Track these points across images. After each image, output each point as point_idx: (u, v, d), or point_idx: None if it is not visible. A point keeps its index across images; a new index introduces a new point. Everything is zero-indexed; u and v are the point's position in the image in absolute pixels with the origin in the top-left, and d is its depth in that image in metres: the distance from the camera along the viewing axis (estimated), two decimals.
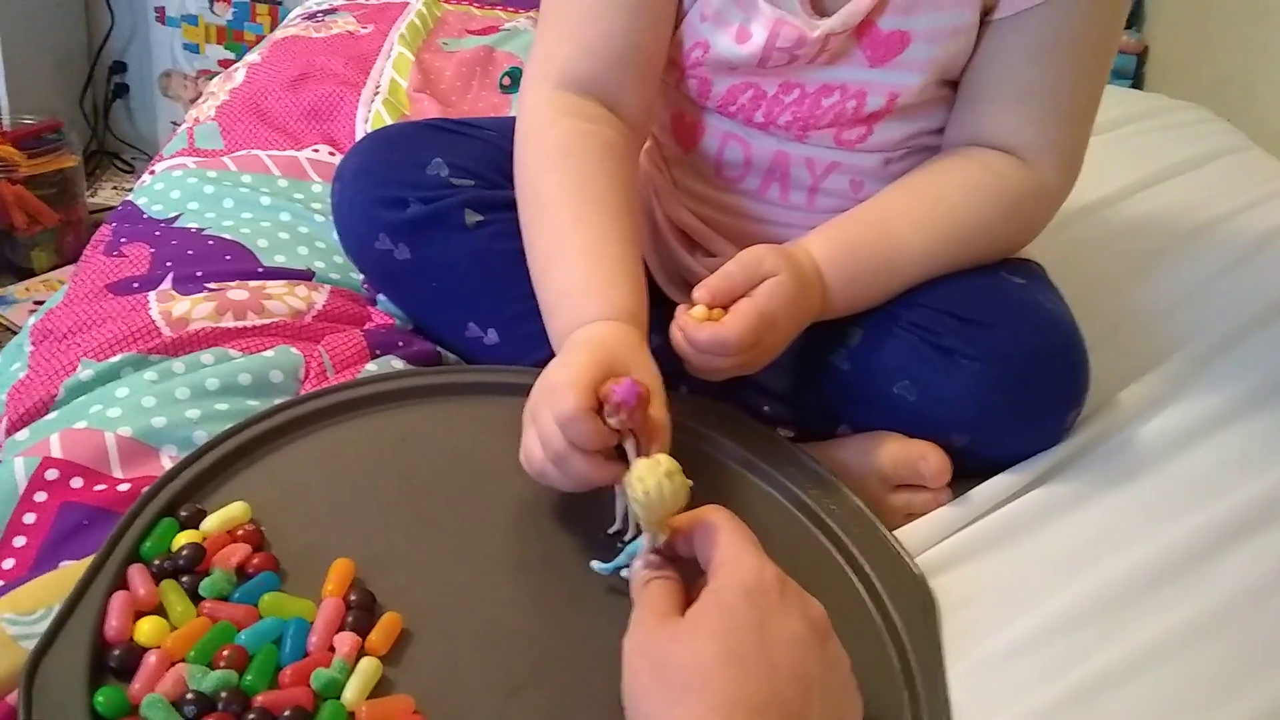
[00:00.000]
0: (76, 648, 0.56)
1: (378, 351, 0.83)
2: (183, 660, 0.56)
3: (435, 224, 0.82)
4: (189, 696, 0.54)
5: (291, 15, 1.46)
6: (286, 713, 0.54)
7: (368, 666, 0.57)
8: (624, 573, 0.61)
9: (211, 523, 0.63)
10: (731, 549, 0.57)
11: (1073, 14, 0.77)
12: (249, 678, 0.55)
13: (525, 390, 0.67)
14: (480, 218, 0.83)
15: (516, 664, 0.58)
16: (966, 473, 0.77)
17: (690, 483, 0.58)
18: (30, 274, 2.17)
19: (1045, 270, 0.87)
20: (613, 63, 0.80)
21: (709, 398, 0.79)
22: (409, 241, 0.83)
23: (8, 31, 2.19)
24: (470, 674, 0.58)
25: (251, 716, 0.53)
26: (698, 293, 0.73)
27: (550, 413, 0.63)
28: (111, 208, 2.37)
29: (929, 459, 0.76)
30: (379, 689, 0.56)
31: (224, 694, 0.54)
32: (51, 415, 0.73)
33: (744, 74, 0.81)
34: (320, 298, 0.89)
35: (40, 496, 0.66)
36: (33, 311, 1.97)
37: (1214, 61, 1.64)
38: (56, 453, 0.68)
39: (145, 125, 2.54)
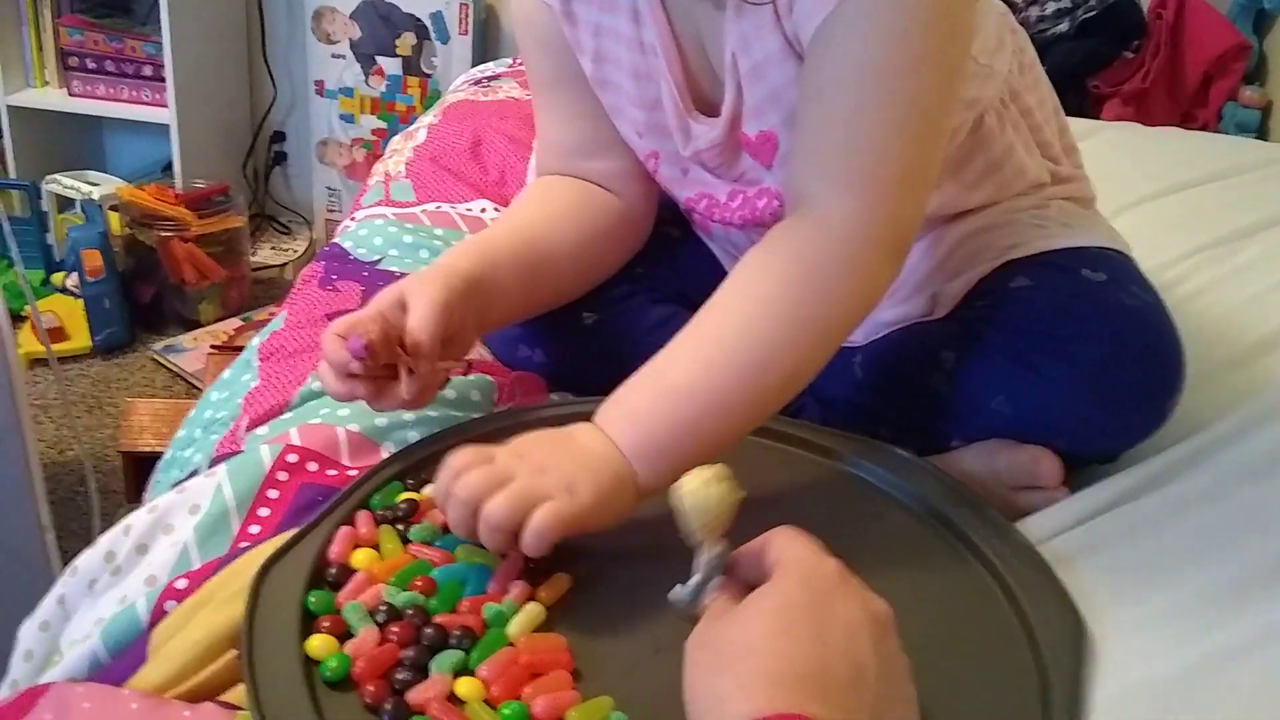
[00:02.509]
0: (301, 562, 0.67)
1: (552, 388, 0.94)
2: (384, 583, 0.67)
3: (560, 329, 0.94)
4: (382, 607, 0.65)
5: (458, 81, 1.60)
6: (457, 631, 0.64)
7: (532, 609, 0.66)
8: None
9: (429, 489, 0.74)
10: (791, 548, 0.58)
11: (849, 42, 0.72)
12: (433, 602, 0.66)
13: None
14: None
15: (664, 628, 0.63)
16: (1080, 467, 0.83)
17: (743, 493, 0.59)
18: (197, 324, 2.34)
19: (1130, 257, 0.90)
20: (571, 148, 0.93)
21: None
22: (542, 347, 0.95)
23: (181, 103, 2.38)
24: (621, 629, 0.66)
25: (428, 630, 0.64)
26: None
27: None
28: (274, 265, 2.56)
29: (1042, 462, 0.82)
30: (540, 630, 0.66)
31: (410, 610, 0.65)
32: (287, 415, 0.84)
33: (696, 183, 0.90)
34: None
35: (282, 476, 0.76)
36: (207, 357, 2.13)
37: None
38: (296, 441, 0.79)
39: (301, 191, 2.72)
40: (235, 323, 2.35)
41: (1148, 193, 1.36)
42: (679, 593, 0.62)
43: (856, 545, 0.73)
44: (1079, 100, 1.88)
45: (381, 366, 0.74)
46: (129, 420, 1.96)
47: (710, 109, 0.85)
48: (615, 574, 0.71)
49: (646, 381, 0.73)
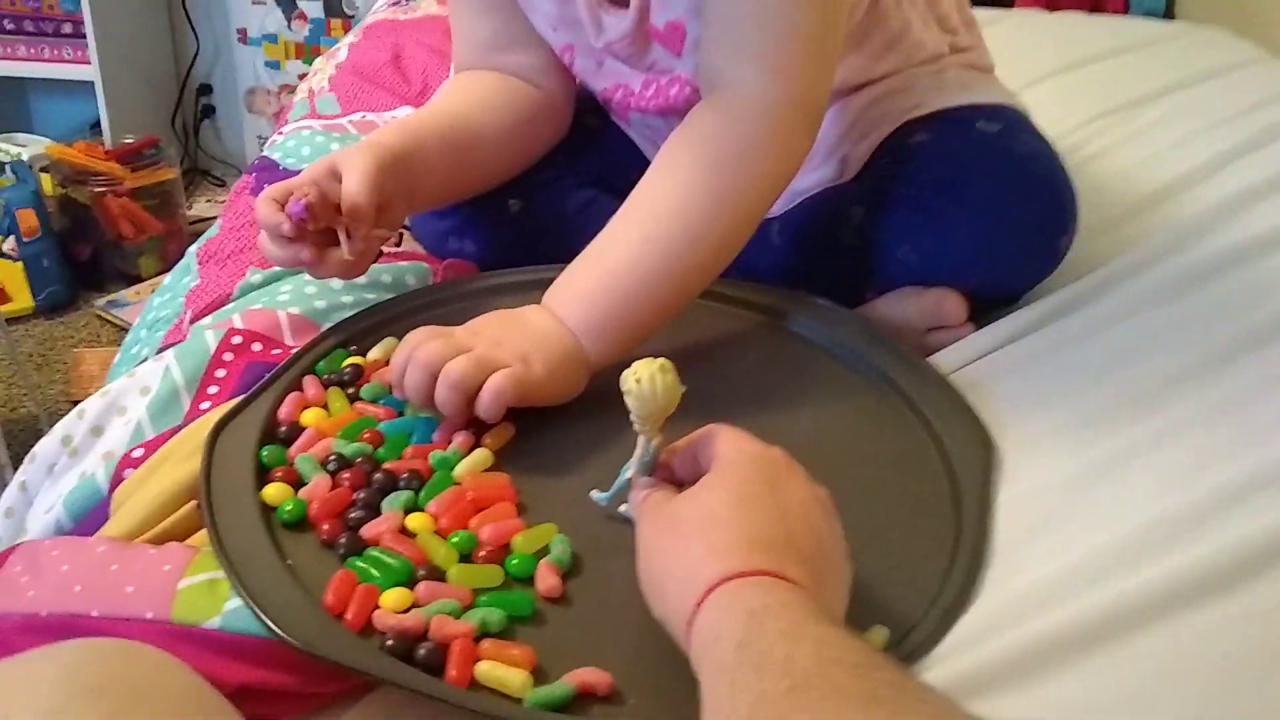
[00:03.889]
0: (253, 421, 0.72)
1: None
2: (333, 437, 0.71)
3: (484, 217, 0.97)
4: (332, 458, 0.69)
5: (378, 4, 1.62)
6: (405, 475, 0.68)
7: (478, 453, 0.71)
8: (623, 509, 0.65)
9: (372, 353, 0.79)
10: (734, 440, 0.59)
11: None
12: (381, 451, 0.70)
13: None
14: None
15: (603, 469, 0.67)
16: (986, 308, 0.89)
17: (684, 387, 0.60)
18: (138, 279, 2.34)
19: (1024, 112, 0.95)
20: (488, 43, 0.96)
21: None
22: (471, 238, 0.98)
23: (104, 59, 2.37)
24: (563, 470, 0.71)
25: (377, 475, 0.68)
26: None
27: None
28: (210, 218, 2.56)
29: (946, 301, 0.88)
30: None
31: (359, 459, 0.69)
32: (229, 306, 0.88)
33: (611, 74, 0.93)
34: None
35: (228, 356, 0.80)
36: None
37: None
38: (239, 325, 0.82)
39: (233, 141, 2.72)
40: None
41: (1052, 69, 1.41)
42: (600, 494, 0.66)
43: (787, 389, 0.80)
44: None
45: (319, 233, 0.77)
46: (78, 370, 1.98)
47: (620, 0, 0.88)
48: (559, 425, 0.75)
49: (588, 263, 0.78)
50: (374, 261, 0.84)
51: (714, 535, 0.53)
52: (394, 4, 1.55)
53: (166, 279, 0.98)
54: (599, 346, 0.76)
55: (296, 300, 0.86)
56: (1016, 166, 0.88)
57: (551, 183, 0.99)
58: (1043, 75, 1.39)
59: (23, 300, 2.23)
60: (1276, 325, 0.86)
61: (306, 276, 0.89)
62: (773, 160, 0.81)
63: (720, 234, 0.79)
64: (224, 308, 0.88)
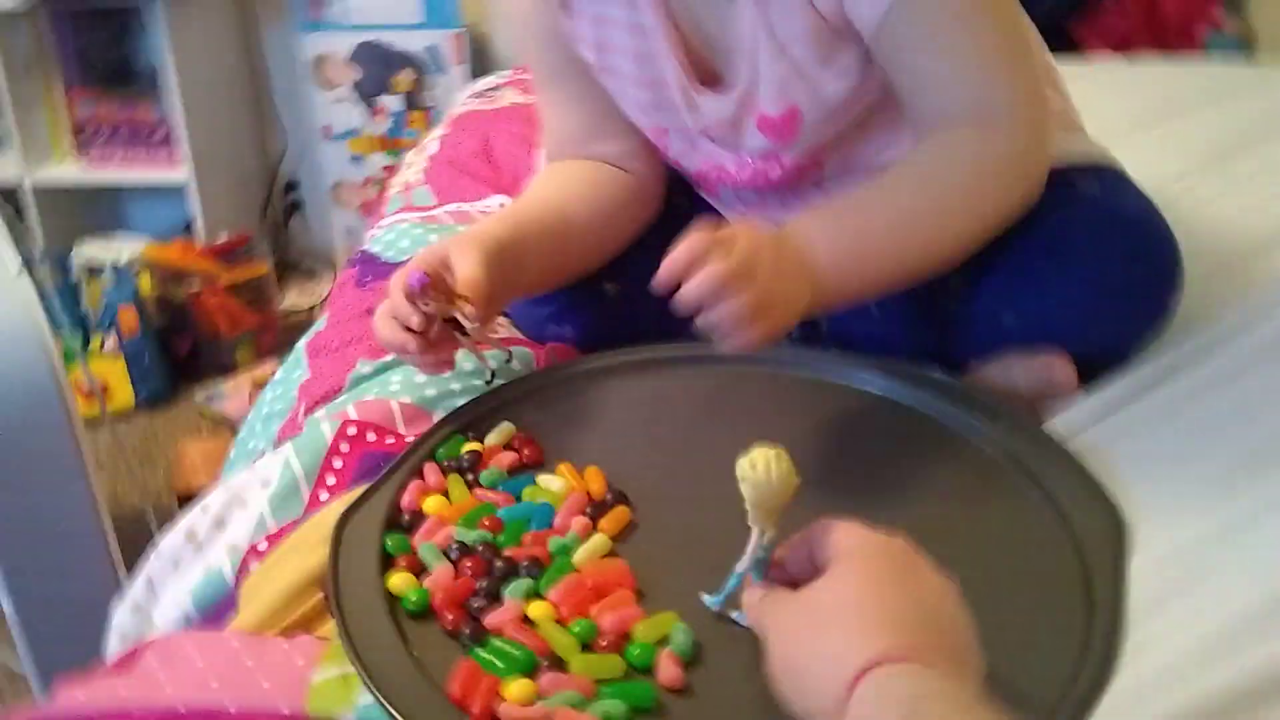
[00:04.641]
0: (377, 510, 0.73)
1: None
2: (454, 524, 0.72)
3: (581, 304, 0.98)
4: (454, 545, 0.70)
5: (460, 95, 1.66)
6: (525, 562, 0.69)
7: (597, 539, 0.71)
8: (735, 614, 0.64)
9: (489, 439, 0.80)
10: (853, 531, 0.57)
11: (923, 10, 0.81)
12: (501, 538, 0.71)
13: (727, 360, 0.85)
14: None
15: (720, 556, 0.65)
16: (1095, 372, 0.87)
17: (798, 479, 0.60)
18: (234, 371, 2.40)
19: (1121, 169, 0.94)
20: (577, 136, 0.98)
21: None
22: (570, 322, 1.00)
23: (196, 162, 2.45)
24: (680, 559, 0.71)
25: (498, 563, 0.69)
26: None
27: None
28: (302, 310, 2.63)
29: (1055, 366, 0.86)
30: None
31: (480, 546, 0.70)
32: (342, 397, 0.90)
33: (705, 154, 0.95)
34: None
35: (344, 447, 0.82)
36: (250, 400, 2.19)
37: None
38: (354, 415, 0.84)
39: (321, 234, 2.79)
40: (272, 364, 2.40)
41: (1139, 121, 1.40)
42: (711, 597, 0.65)
43: (901, 470, 0.79)
44: (1061, 46, 1.91)
45: (434, 330, 0.80)
46: (182, 463, 2.02)
47: (715, 82, 0.90)
48: (675, 509, 0.75)
49: (852, 227, 0.83)
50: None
51: (854, 622, 0.52)
52: (478, 96, 1.60)
53: (277, 373, 1.00)
54: (832, 291, 0.81)
55: (407, 389, 0.87)
56: (1120, 226, 0.87)
57: (645, 264, 0.99)
58: (1130, 128, 1.38)
59: (125, 397, 2.30)
60: None
61: (413, 367, 0.91)
62: (1011, 191, 0.86)
63: (966, 243, 0.85)
64: (337, 399, 0.90)
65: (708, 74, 0.90)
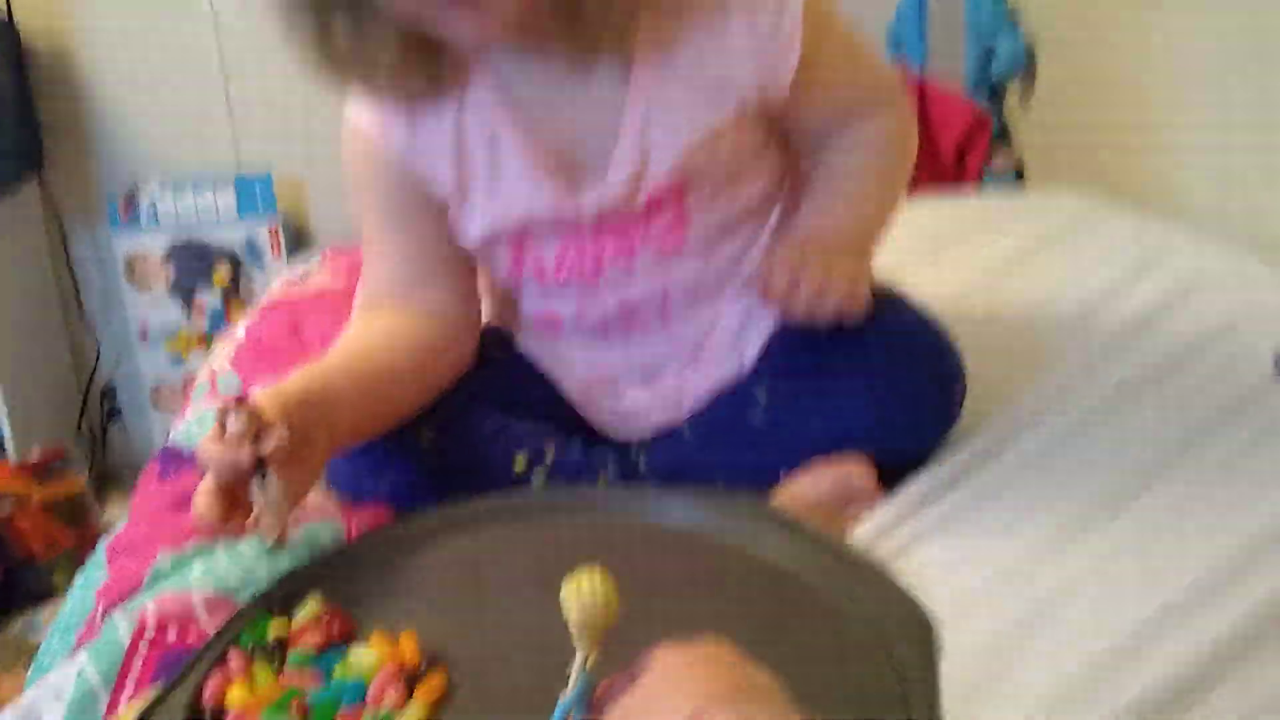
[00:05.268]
0: (175, 709, 0.69)
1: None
2: (259, 715, 0.68)
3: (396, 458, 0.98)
4: None
5: (273, 282, 1.65)
6: None
7: (411, 711, 0.68)
8: None
9: (297, 617, 0.77)
10: (675, 644, 0.58)
11: (814, 44, 0.93)
12: None
13: (538, 510, 0.90)
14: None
15: (541, 712, 0.63)
16: (891, 472, 0.92)
17: (619, 601, 0.61)
18: (52, 596, 2.26)
19: (901, 293, 1.03)
20: (392, 286, 1.00)
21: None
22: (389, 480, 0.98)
23: (3, 373, 2.36)
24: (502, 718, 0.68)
25: None
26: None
27: None
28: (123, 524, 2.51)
29: (854, 471, 0.91)
30: None
31: None
32: (141, 595, 0.85)
33: (561, 234, 0.98)
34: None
35: (144, 648, 0.77)
36: None
37: (1083, 153, 1.85)
38: (152, 611, 0.80)
39: (142, 441, 2.69)
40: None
41: (918, 252, 1.47)
42: None
43: (713, 602, 0.79)
44: None
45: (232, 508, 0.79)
46: (1, 703, 1.88)
47: (574, 177, 0.95)
48: (495, 669, 0.73)
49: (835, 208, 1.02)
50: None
51: (671, 699, 0.52)
52: (290, 283, 1.59)
53: (77, 579, 0.95)
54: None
55: (210, 579, 0.83)
56: (904, 332, 0.96)
57: (462, 410, 0.99)
58: (913, 259, 1.45)
59: None
60: (1171, 453, 0.90)
61: (218, 555, 0.88)
62: (911, 142, 1.07)
63: (896, 200, 1.05)
64: (135, 597, 0.85)
65: (566, 174, 0.95)
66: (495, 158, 0.94)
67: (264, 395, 0.83)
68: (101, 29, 2.44)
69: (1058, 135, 1.95)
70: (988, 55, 1.99)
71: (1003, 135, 2.05)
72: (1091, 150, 1.82)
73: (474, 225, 0.98)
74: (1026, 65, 1.96)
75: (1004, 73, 1.98)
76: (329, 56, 0.89)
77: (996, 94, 2.07)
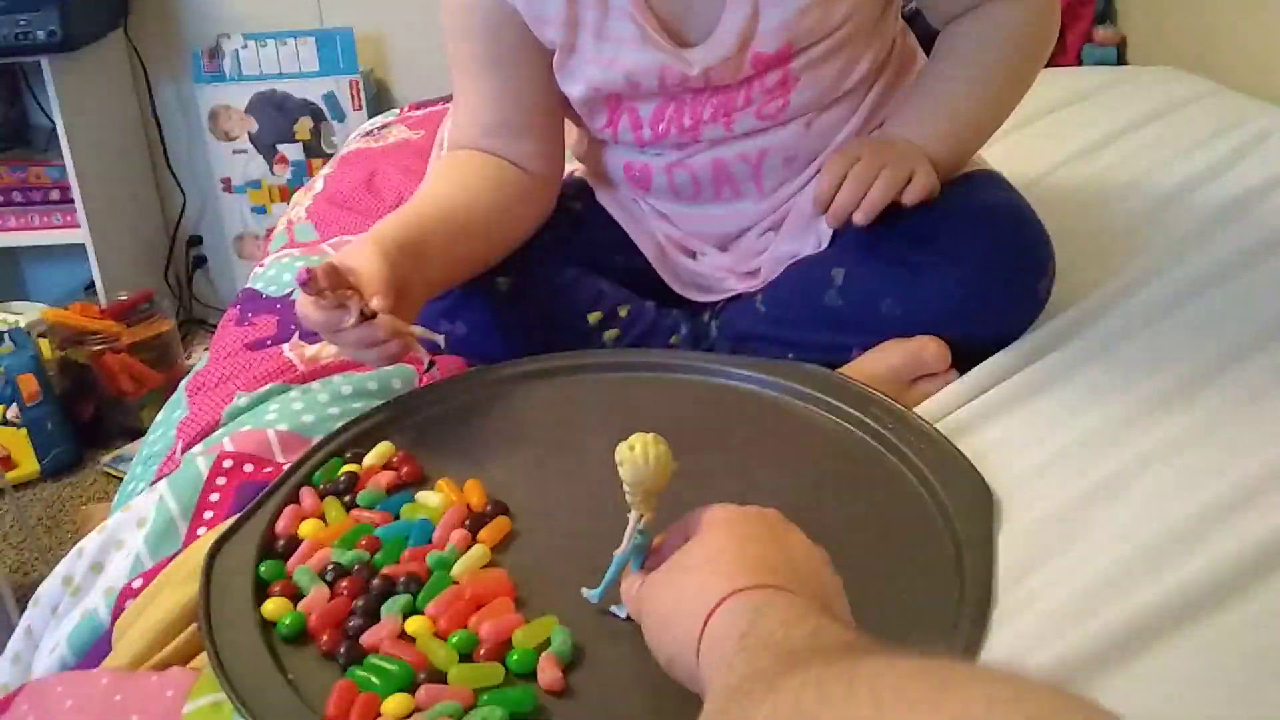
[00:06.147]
0: (250, 537, 0.72)
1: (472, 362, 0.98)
2: (330, 546, 0.71)
3: (473, 299, 0.98)
4: (330, 567, 0.69)
5: (351, 135, 1.66)
6: (403, 578, 0.68)
7: (475, 551, 0.70)
8: (614, 609, 0.65)
9: (367, 459, 0.79)
10: (725, 506, 0.59)
11: None
12: (379, 557, 0.70)
13: (604, 369, 0.90)
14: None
15: (600, 556, 0.66)
16: (972, 355, 0.90)
17: (677, 463, 0.61)
18: (140, 433, 2.35)
19: (990, 170, 1.00)
20: (484, 132, 0.99)
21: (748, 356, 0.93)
22: (463, 319, 0.99)
23: (93, 221, 2.42)
24: (560, 564, 0.70)
25: (375, 581, 0.67)
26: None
27: None
28: None
29: (929, 348, 0.89)
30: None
31: (356, 566, 0.69)
32: (219, 431, 0.88)
33: (663, 91, 0.96)
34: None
35: (220, 480, 0.81)
36: None
37: (1187, 30, 1.77)
38: (230, 448, 0.83)
39: (225, 289, 2.76)
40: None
41: (1008, 125, 1.44)
42: (591, 590, 0.66)
43: (778, 460, 0.80)
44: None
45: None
46: (86, 528, 1.98)
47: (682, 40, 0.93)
48: (556, 517, 0.75)
49: (930, 105, 0.98)
50: (404, 355, 0.85)
51: (718, 563, 0.53)
52: (367, 134, 1.60)
53: (159, 415, 0.99)
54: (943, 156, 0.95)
55: (284, 418, 0.86)
56: (991, 216, 0.91)
57: (539, 261, 1.00)
58: (1003, 130, 1.42)
59: (28, 465, 2.24)
60: (1257, 338, 0.87)
61: (292, 394, 0.90)
62: (1050, 36, 1.01)
63: (1016, 98, 1.01)
64: (213, 434, 0.88)
65: (674, 34, 0.93)
66: (605, 5, 0.93)
67: (360, 243, 0.84)
68: None
69: (1161, 15, 1.86)
70: None
71: (1106, 10, 1.96)
72: (1195, 33, 1.74)
73: (578, 76, 0.97)
74: None
75: None
76: None
77: None
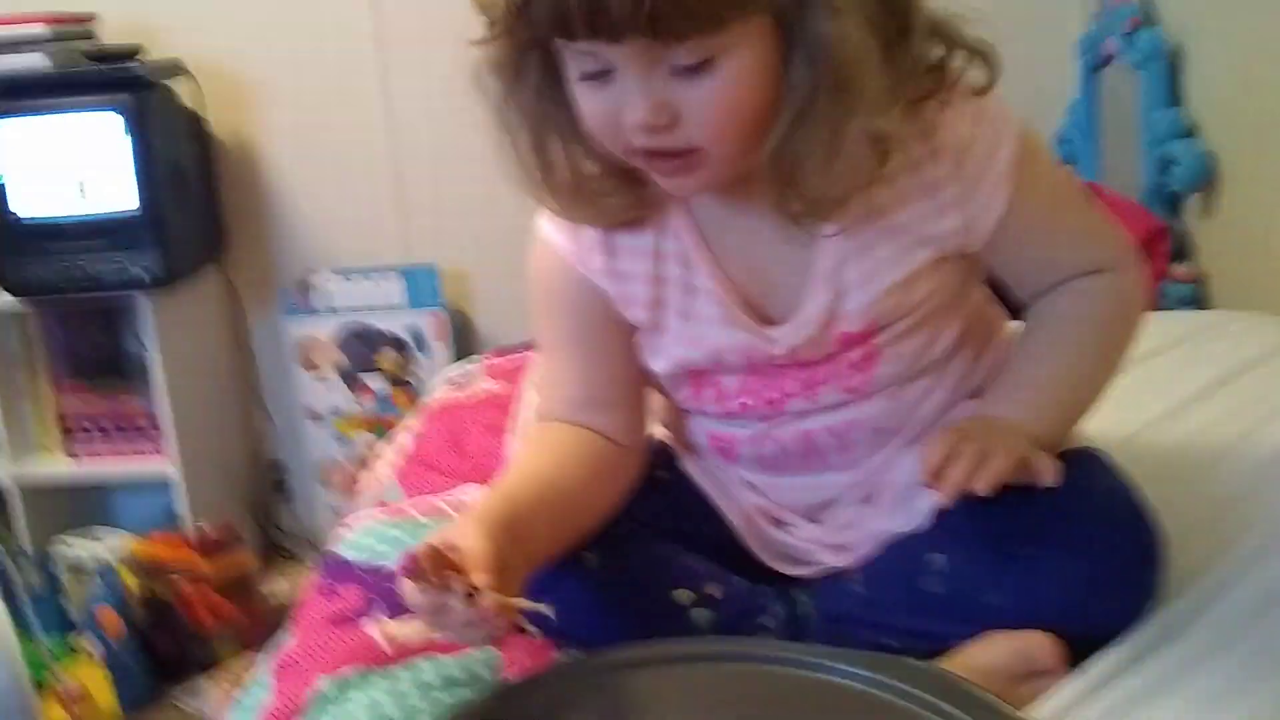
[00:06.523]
0: None
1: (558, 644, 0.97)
2: None
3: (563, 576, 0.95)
4: None
5: (435, 382, 1.69)
6: None
7: None
8: None
9: None
10: None
11: (1026, 198, 0.91)
12: None
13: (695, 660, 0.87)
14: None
15: None
16: (1079, 648, 0.86)
17: None
18: (214, 665, 2.34)
19: (1098, 450, 0.97)
20: (572, 406, 1.00)
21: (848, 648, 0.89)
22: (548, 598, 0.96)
23: (182, 452, 2.46)
24: None
25: None
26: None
27: None
28: (285, 598, 2.58)
29: (1042, 646, 0.86)
30: None
31: None
32: None
33: (748, 367, 0.97)
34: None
35: None
36: (225, 695, 2.13)
37: (1268, 270, 1.76)
38: None
39: (306, 516, 2.77)
40: (255, 659, 2.34)
41: None
42: None
43: None
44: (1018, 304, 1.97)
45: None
46: None
47: (766, 320, 0.95)
48: None
49: (1030, 386, 0.97)
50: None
51: None
52: (451, 384, 1.63)
53: (243, 698, 0.97)
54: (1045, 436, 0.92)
55: (368, 711, 0.85)
56: (1102, 505, 0.89)
57: (628, 536, 0.99)
58: None
59: (106, 702, 2.22)
60: None
61: (377, 682, 0.89)
62: (1136, 317, 1.00)
63: (1111, 374, 0.99)
64: None
65: (758, 312, 0.95)
66: (689, 287, 0.95)
67: (463, 522, 0.84)
68: (283, 126, 2.57)
69: (1240, 253, 1.86)
70: (1164, 165, 1.92)
71: (1182, 248, 1.97)
72: (1274, 269, 1.73)
73: (663, 354, 0.98)
74: (1208, 177, 1.88)
75: (1184, 184, 1.89)
76: (542, 178, 0.91)
77: (1174, 206, 1.99)
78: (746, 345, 0.95)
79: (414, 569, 0.77)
